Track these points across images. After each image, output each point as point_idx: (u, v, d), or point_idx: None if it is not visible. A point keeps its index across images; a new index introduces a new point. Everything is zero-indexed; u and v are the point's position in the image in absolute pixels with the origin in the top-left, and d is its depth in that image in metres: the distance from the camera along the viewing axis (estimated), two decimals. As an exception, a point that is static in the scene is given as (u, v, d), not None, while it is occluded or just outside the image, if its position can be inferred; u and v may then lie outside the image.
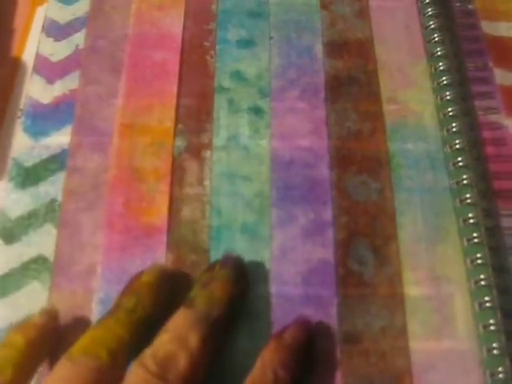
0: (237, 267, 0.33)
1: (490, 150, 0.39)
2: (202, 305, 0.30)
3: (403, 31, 0.43)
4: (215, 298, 0.31)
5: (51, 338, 0.32)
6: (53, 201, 0.37)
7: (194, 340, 0.29)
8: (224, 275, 0.32)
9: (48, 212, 0.36)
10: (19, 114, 0.40)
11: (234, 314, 0.33)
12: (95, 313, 0.34)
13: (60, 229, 0.36)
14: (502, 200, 0.38)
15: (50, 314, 0.32)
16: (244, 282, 0.34)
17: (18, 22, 0.44)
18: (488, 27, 0.44)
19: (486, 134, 0.40)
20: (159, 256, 0.35)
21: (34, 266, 0.35)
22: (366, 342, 0.33)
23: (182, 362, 0.28)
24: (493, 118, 0.40)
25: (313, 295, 0.34)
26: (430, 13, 0.43)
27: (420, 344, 0.33)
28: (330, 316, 0.34)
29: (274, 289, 0.34)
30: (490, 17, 0.44)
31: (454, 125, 0.39)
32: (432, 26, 0.43)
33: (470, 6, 0.45)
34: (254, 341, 0.33)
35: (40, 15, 0.44)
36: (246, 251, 0.35)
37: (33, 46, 0.42)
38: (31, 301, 0.34)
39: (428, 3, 0.44)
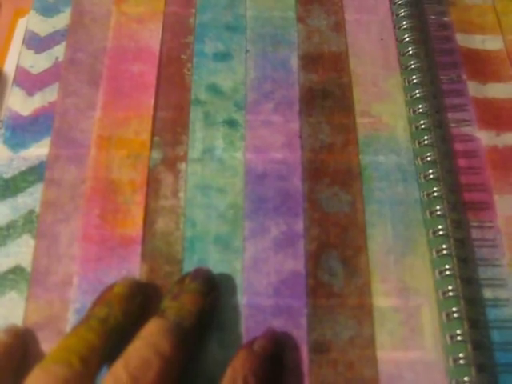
0: (207, 280, 0.34)
1: (461, 162, 0.40)
2: (173, 316, 0.31)
3: (378, 44, 0.44)
4: (185, 310, 0.32)
5: (16, 354, 0.32)
6: (31, 212, 0.37)
7: (165, 347, 0.29)
8: (194, 288, 0.33)
9: (26, 223, 0.37)
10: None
11: (205, 323, 0.33)
12: (71, 323, 0.34)
13: (38, 240, 0.37)
14: (472, 212, 0.38)
15: (15, 332, 0.33)
16: (214, 294, 0.34)
17: (-1, 34, 0.45)
18: (463, 40, 0.45)
19: (459, 146, 0.41)
20: (134, 267, 0.36)
21: (12, 277, 0.36)
22: (334, 351, 0.34)
23: (155, 367, 0.29)
24: (465, 130, 0.41)
25: (283, 306, 0.35)
26: (404, 26, 0.44)
27: (387, 354, 0.34)
28: (299, 326, 0.35)
29: (245, 299, 0.35)
30: (465, 29, 0.45)
31: (425, 138, 0.39)
32: (406, 39, 0.43)
33: (445, 19, 0.46)
34: (225, 350, 0.34)
35: (21, 27, 0.45)
36: (219, 262, 0.36)
37: (14, 58, 0.43)
38: (9, 310, 0.35)
39: (403, 16, 0.44)
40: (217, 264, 0.36)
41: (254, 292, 0.35)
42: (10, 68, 0.43)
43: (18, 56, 0.43)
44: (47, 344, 0.34)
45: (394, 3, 0.45)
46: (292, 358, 0.34)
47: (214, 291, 0.34)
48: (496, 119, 0.42)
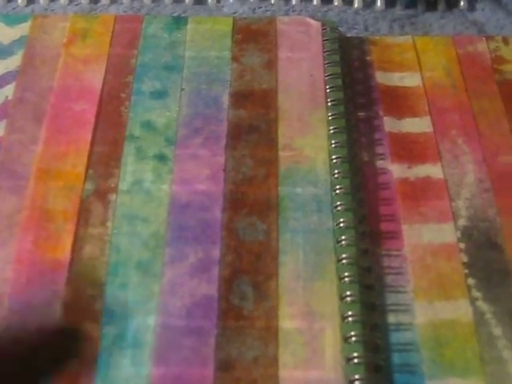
0: None
1: (373, 193, 0.42)
2: None
3: (307, 80, 0.47)
4: None
5: None
6: (-29, 240, 0.41)
7: None
8: None
9: (-34, 250, 0.41)
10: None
11: None
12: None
13: (-26, 264, 0.40)
14: (380, 241, 0.41)
15: None
16: None
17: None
18: (382, 77, 0.47)
19: (371, 179, 0.43)
20: (60, 289, 0.39)
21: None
22: (239, 370, 0.36)
23: None
24: (379, 163, 0.44)
25: (194, 326, 0.38)
26: (333, 61, 0.47)
27: (289, 373, 0.36)
28: (208, 345, 0.37)
29: (160, 320, 0.38)
30: (385, 68, 0.48)
31: (341, 170, 0.42)
32: (334, 74, 0.46)
33: (367, 58, 0.48)
34: (136, 367, 0.37)
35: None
36: (138, 285, 0.39)
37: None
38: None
39: (332, 51, 0.48)
40: (136, 287, 0.39)
41: (168, 313, 0.38)
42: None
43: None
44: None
45: (326, 40, 0.48)
46: (199, 376, 0.36)
47: None
48: (408, 153, 0.44)
